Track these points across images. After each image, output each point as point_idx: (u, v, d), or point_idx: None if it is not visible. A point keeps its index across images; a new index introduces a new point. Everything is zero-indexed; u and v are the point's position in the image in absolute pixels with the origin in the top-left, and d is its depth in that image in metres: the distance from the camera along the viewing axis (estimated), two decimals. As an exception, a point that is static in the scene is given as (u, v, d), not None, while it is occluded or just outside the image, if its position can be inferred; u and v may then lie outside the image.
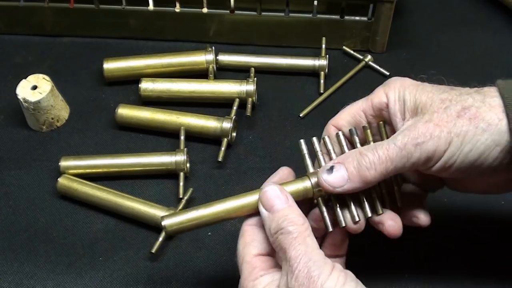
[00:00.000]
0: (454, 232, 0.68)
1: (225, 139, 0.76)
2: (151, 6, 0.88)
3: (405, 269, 0.66)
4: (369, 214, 0.55)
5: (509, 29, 0.91)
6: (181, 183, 0.72)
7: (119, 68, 0.84)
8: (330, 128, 0.59)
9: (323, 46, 0.86)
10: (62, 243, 0.69)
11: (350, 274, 0.50)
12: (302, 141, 0.57)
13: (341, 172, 0.53)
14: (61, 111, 0.80)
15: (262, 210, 0.54)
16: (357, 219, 0.55)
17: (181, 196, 0.71)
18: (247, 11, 0.87)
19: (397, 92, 0.55)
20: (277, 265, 0.55)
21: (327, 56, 0.85)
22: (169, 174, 0.74)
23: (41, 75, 0.78)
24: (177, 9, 0.87)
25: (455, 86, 0.55)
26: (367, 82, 0.84)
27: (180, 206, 0.70)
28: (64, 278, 0.66)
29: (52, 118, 0.79)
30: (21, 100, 0.76)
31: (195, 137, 0.78)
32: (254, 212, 0.56)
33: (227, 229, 0.70)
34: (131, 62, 0.84)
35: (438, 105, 0.52)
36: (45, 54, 0.89)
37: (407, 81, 0.56)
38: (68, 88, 0.83)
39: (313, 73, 0.85)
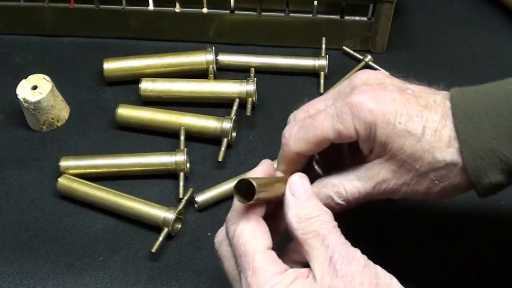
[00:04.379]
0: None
1: (225, 139, 0.76)
2: (151, 6, 0.88)
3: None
4: None
5: (509, 29, 0.91)
6: (181, 183, 0.72)
7: (119, 68, 0.84)
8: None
9: (323, 46, 0.86)
10: (62, 243, 0.69)
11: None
12: None
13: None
14: (61, 111, 0.80)
15: (290, 196, 0.52)
16: None
17: (181, 196, 0.71)
18: (247, 11, 0.87)
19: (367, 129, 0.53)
20: (290, 261, 0.53)
21: (327, 56, 0.84)
22: (169, 174, 0.74)
23: (41, 75, 0.78)
24: (177, 9, 0.87)
25: None
26: (367, 82, 0.84)
27: (180, 206, 0.70)
28: (64, 278, 0.66)
29: (52, 118, 0.79)
30: (21, 100, 0.76)
31: (195, 137, 0.78)
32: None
33: (227, 229, 0.70)
34: (131, 62, 0.84)
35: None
36: (45, 54, 0.89)
37: (379, 112, 0.51)
38: (68, 88, 0.83)
39: (313, 73, 0.85)
